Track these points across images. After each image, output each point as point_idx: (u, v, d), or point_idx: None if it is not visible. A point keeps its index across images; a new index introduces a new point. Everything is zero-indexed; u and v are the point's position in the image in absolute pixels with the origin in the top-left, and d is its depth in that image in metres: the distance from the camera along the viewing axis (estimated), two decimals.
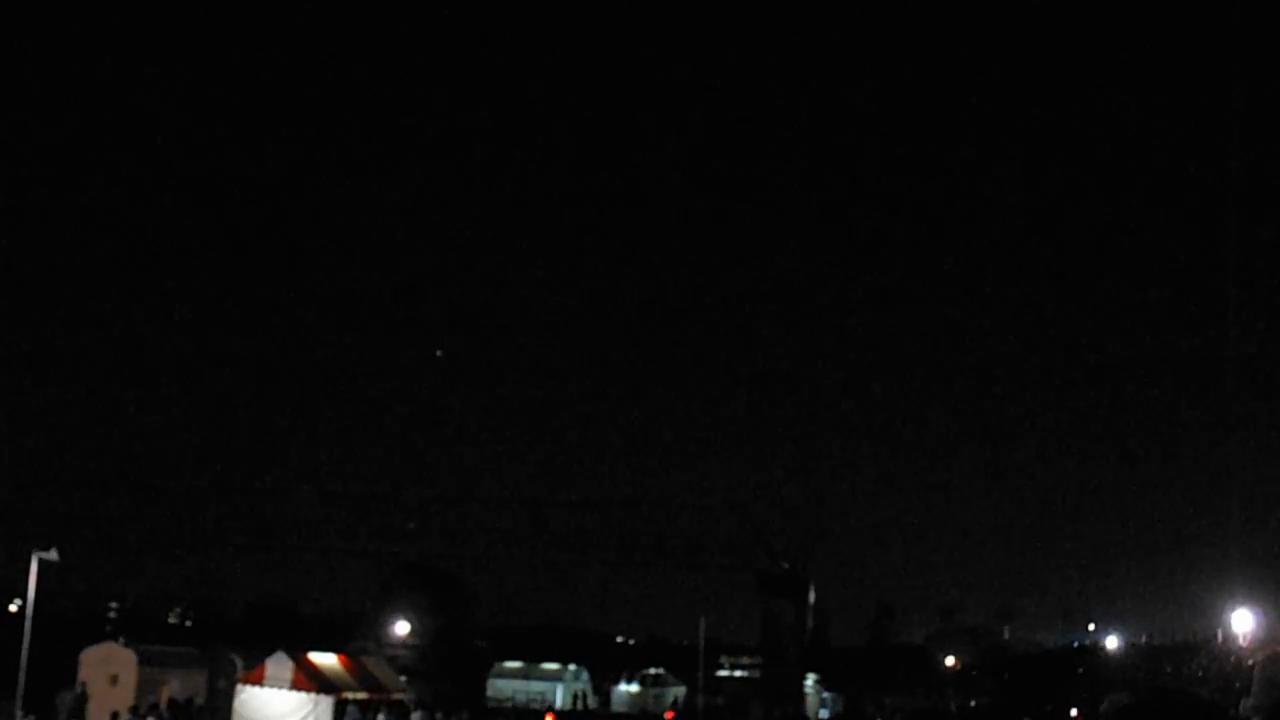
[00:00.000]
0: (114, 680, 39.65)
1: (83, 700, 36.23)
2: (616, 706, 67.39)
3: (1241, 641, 56.20)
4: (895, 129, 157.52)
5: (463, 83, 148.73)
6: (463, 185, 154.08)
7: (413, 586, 76.74)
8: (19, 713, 32.61)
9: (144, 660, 40.82)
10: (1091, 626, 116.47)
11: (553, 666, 69.04)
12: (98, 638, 46.16)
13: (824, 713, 68.54)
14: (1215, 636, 68.61)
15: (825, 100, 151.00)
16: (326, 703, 39.00)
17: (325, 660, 41.89)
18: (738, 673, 74.19)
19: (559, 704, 64.86)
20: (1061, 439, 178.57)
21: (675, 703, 64.61)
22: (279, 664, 39.92)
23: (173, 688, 40.53)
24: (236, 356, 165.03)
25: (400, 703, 41.96)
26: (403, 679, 48.01)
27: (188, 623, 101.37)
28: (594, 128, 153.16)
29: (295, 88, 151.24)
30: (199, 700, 41.04)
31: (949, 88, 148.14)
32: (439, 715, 41.49)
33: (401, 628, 74.46)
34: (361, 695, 40.41)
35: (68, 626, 58.87)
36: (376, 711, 40.01)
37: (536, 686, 66.71)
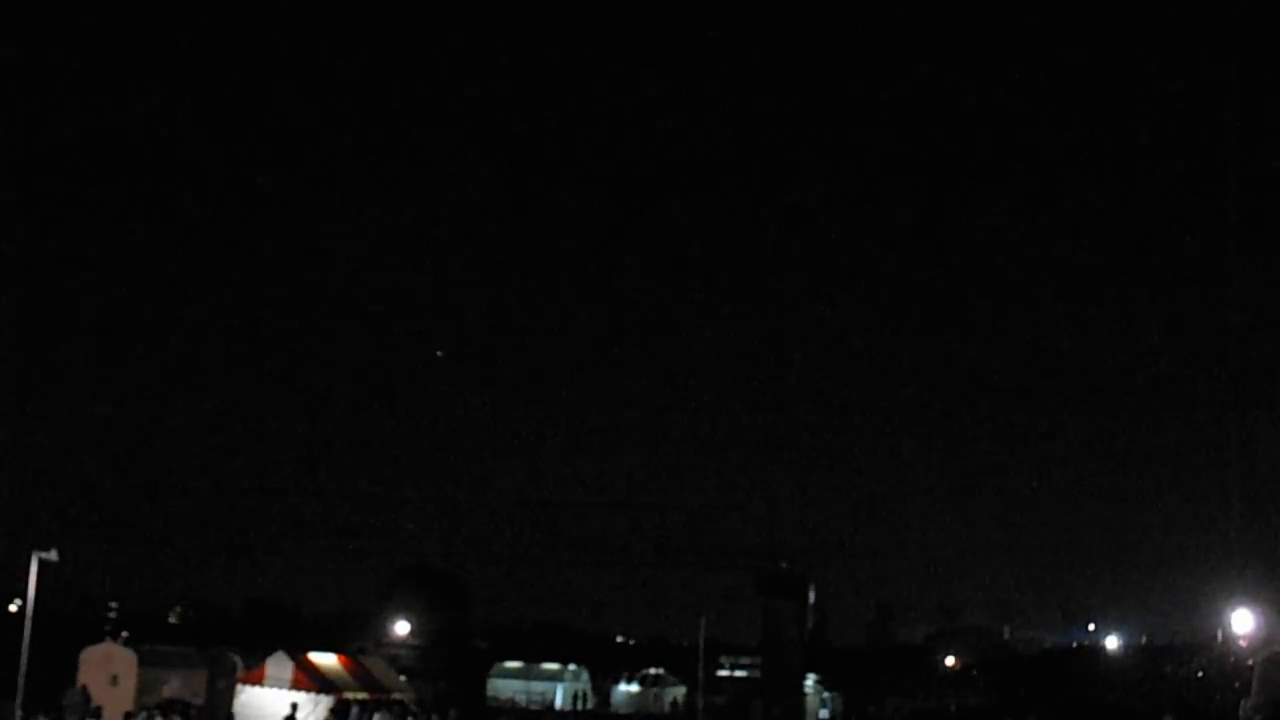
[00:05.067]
0: (114, 680, 39.63)
1: (87, 700, 36.25)
2: (616, 706, 67.37)
3: (1241, 641, 56.27)
4: (894, 129, 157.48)
5: (476, 78, 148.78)
6: (466, 182, 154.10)
7: (413, 586, 76.97)
8: (19, 713, 32.58)
9: (144, 660, 40.76)
10: (1091, 626, 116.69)
11: (553, 666, 69.02)
12: (98, 638, 46.10)
13: (824, 713, 68.45)
14: (1215, 636, 68.66)
15: (821, 100, 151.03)
16: (327, 703, 39.08)
17: (325, 660, 41.96)
18: (738, 673, 74.15)
19: (559, 704, 64.86)
20: (1061, 439, 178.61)
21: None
22: (279, 664, 40.02)
23: (173, 688, 40.51)
24: (236, 356, 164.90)
25: (400, 702, 42.00)
26: (403, 679, 48.06)
27: (188, 622, 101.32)
28: (604, 126, 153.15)
29: (298, 87, 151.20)
30: (198, 701, 41.03)
31: (944, 87, 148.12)
32: (434, 716, 41.51)
33: (401, 628, 74.60)
34: (361, 695, 40.46)
35: (68, 626, 58.83)
36: (376, 711, 40.04)
37: (536, 686, 66.69)
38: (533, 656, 72.11)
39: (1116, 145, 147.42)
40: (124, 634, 43.81)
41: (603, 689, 69.70)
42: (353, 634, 73.40)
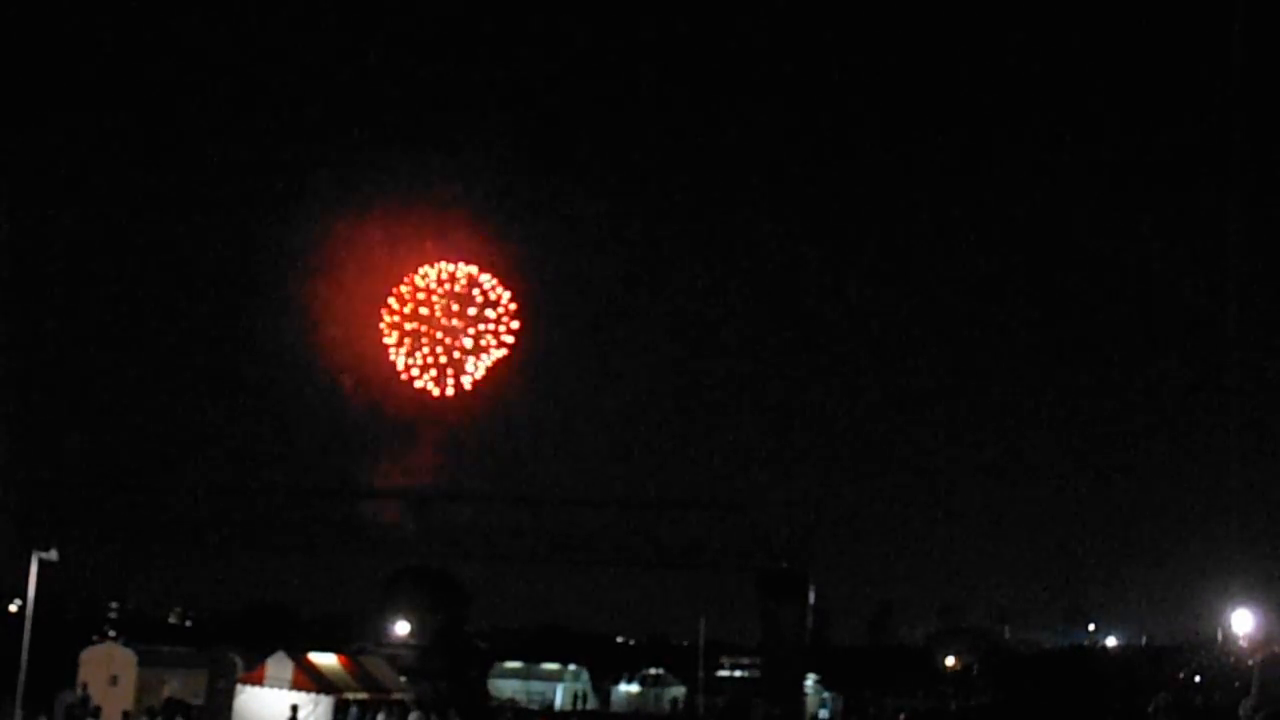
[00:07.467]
0: (114, 680, 39.65)
1: (86, 702, 36.20)
2: (616, 706, 67.31)
3: (1241, 641, 56.24)
4: (895, 128, 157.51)
5: (477, 68, 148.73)
6: (464, 182, 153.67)
7: (413, 586, 76.86)
8: (19, 713, 32.59)
9: (144, 660, 40.80)
10: (1091, 626, 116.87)
11: (553, 666, 68.98)
12: (98, 638, 46.18)
13: (824, 713, 68.38)
14: (1215, 636, 68.59)
15: (820, 98, 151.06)
16: (327, 703, 39.07)
17: (325, 660, 41.95)
18: (738, 673, 74.16)
19: (559, 704, 64.81)
20: (1062, 439, 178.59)
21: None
22: (279, 664, 40.01)
23: (173, 688, 40.52)
24: (236, 355, 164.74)
25: (400, 702, 41.99)
26: (403, 679, 48.02)
27: (188, 623, 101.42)
28: (605, 120, 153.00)
29: (296, 77, 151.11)
30: (198, 701, 41.04)
31: (943, 85, 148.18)
32: (433, 716, 41.50)
33: (401, 628, 74.58)
34: (361, 695, 40.46)
35: (68, 626, 58.88)
36: (376, 711, 40.04)
37: (536, 686, 66.64)
38: (533, 656, 72.08)
39: (1115, 144, 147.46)
40: (111, 633, 43.89)
41: (603, 689, 69.65)
42: (353, 634, 73.42)
